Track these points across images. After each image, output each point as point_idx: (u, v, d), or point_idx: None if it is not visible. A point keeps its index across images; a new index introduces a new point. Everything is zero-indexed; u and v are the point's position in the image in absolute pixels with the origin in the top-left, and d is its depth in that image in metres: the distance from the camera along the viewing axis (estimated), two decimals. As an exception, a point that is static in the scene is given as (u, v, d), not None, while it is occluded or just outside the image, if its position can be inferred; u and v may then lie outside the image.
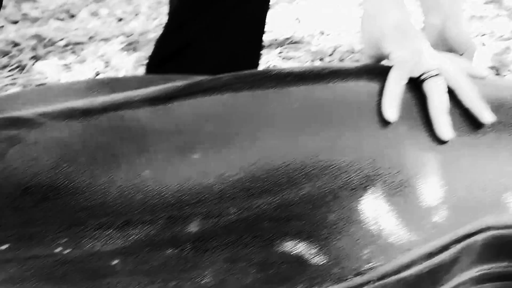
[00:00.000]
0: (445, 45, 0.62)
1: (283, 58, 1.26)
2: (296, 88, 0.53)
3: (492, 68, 1.30)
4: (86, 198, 0.43)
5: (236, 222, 0.43)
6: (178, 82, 0.55)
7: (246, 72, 0.56)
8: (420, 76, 0.52)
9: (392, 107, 0.50)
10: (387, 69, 0.55)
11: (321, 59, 1.26)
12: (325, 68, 0.56)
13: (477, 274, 0.48)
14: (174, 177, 0.45)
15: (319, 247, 0.42)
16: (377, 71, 0.56)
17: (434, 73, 0.52)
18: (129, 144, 0.48)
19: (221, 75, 0.56)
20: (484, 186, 0.49)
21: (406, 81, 0.52)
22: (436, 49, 0.61)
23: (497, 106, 0.54)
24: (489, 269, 0.49)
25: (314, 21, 1.48)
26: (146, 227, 0.42)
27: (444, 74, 0.53)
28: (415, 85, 0.53)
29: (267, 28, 1.46)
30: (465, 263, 0.47)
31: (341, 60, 1.26)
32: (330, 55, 1.29)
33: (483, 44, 1.43)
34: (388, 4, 0.55)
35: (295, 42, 1.36)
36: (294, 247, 0.42)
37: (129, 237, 0.41)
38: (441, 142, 0.50)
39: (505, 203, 0.48)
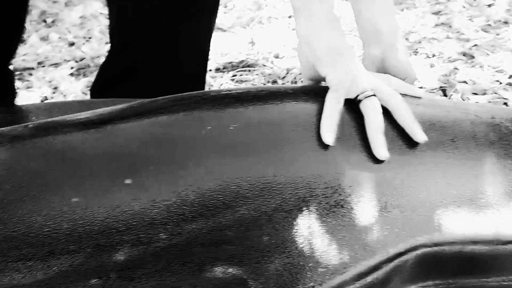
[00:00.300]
0: (386, 74, 0.63)
1: (236, 82, 1.27)
2: (233, 110, 0.53)
3: (440, 88, 1.34)
4: (9, 228, 0.42)
5: (166, 249, 0.42)
6: (116, 106, 0.54)
7: (184, 94, 0.55)
8: (357, 97, 0.53)
9: (330, 131, 0.50)
10: (324, 90, 0.55)
11: (274, 82, 1.28)
12: (263, 90, 0.57)
13: (412, 293, 0.49)
14: (104, 203, 0.44)
15: (250, 271, 0.41)
16: (314, 92, 0.57)
17: (369, 93, 0.53)
18: (58, 170, 0.46)
19: (158, 98, 0.55)
20: (417, 205, 0.49)
21: (342, 103, 0.53)
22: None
23: (430, 125, 0.56)
24: None
25: (268, 45, 1.50)
26: (71, 257, 0.40)
27: (378, 95, 0.55)
28: (352, 106, 0.55)
29: (222, 51, 1.47)
30: (397, 283, 0.47)
31: (294, 82, 1.28)
32: (283, 77, 1.30)
33: (432, 66, 1.48)
34: (320, 27, 0.56)
35: (249, 65, 1.37)
36: (224, 272, 0.41)
37: (51, 268, 0.39)
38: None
39: (436, 221, 0.49)
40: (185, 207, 0.45)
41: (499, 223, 0.51)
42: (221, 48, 1.46)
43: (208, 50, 0.89)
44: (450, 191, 0.52)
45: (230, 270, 0.41)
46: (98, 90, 0.85)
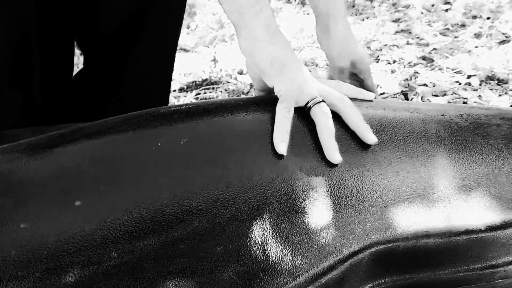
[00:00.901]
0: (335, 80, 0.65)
1: (200, 100, 1.27)
2: (184, 125, 0.53)
3: (401, 93, 1.37)
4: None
5: (117, 267, 0.42)
6: (63, 130, 0.54)
7: (133, 113, 0.56)
8: (306, 104, 0.54)
9: (282, 141, 0.51)
10: (275, 99, 0.56)
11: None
12: (213, 103, 0.57)
13: (370, 291, 0.49)
14: (53, 227, 0.44)
15: (203, 282, 0.41)
16: (265, 102, 0.58)
17: (318, 100, 0.54)
18: (5, 196, 0.46)
19: (108, 118, 0.55)
20: (370, 204, 0.50)
21: (292, 112, 0.54)
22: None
23: (382, 126, 0.57)
24: (380, 285, 0.50)
25: (231, 62, 1.51)
26: (19, 283, 0.40)
27: (327, 100, 0.56)
28: (303, 113, 0.55)
29: (185, 71, 1.48)
30: (354, 282, 0.47)
31: (258, 96, 1.29)
32: (247, 92, 1.32)
33: (393, 71, 1.51)
34: (260, 41, 0.56)
35: (213, 83, 1.38)
36: (177, 285, 0.41)
37: (-2, 295, 0.38)
38: (330, 165, 0.52)
39: (390, 218, 0.50)
40: (137, 225, 0.45)
41: (451, 216, 0.52)
42: (184, 68, 1.47)
43: (172, 65, 0.89)
44: (403, 188, 0.53)
45: (183, 282, 0.41)
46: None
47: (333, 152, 0.52)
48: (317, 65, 1.54)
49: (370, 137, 0.54)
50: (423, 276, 0.51)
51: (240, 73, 1.45)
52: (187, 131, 0.52)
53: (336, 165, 0.52)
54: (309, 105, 0.55)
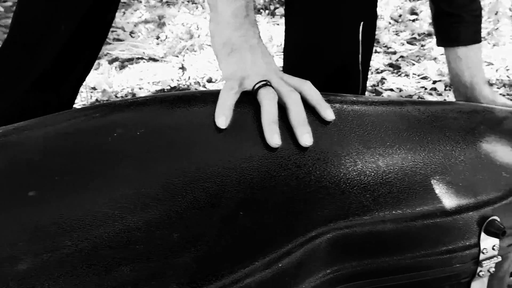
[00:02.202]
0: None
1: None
2: (140, 116, 0.53)
3: (369, 98, 1.40)
4: None
5: (71, 254, 0.41)
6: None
7: (90, 105, 0.56)
8: (253, 87, 0.55)
9: (222, 115, 0.52)
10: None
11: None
12: (170, 95, 0.58)
13: (329, 277, 0.50)
14: (6, 217, 0.44)
15: (158, 267, 0.41)
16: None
17: (262, 83, 0.55)
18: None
19: (66, 111, 0.55)
20: (326, 192, 0.51)
21: (235, 90, 0.54)
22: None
23: (340, 118, 0.58)
24: (339, 271, 0.50)
25: (200, 70, 1.52)
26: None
27: (277, 83, 0.56)
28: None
29: (154, 80, 1.49)
30: (312, 267, 0.48)
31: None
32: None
33: (361, 78, 1.54)
34: (223, 25, 0.58)
35: (181, 91, 1.39)
36: (132, 270, 0.41)
37: None
38: (290, 153, 0.53)
39: (345, 205, 0.51)
40: (92, 213, 0.45)
41: (407, 202, 0.53)
42: (153, 77, 1.48)
43: None
44: (361, 177, 0.54)
45: (138, 267, 0.41)
46: None
47: (271, 136, 0.51)
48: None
49: (329, 113, 0.55)
50: (382, 262, 0.52)
51: (209, 81, 1.46)
52: (144, 122, 0.52)
53: (298, 151, 0.52)
54: (255, 88, 0.55)
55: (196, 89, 1.40)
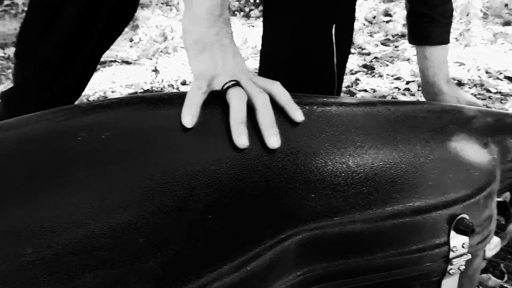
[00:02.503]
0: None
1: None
2: (105, 119, 0.52)
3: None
4: None
5: (32, 262, 0.40)
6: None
7: (53, 109, 0.54)
8: (223, 87, 0.54)
9: (188, 115, 0.51)
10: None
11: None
12: (137, 97, 0.57)
13: (299, 278, 0.50)
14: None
15: (122, 273, 0.40)
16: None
17: (232, 83, 0.54)
18: None
19: (29, 114, 0.54)
20: (296, 193, 0.51)
21: (204, 90, 0.54)
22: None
23: (310, 119, 0.58)
24: (309, 272, 0.50)
25: (173, 72, 1.51)
26: None
27: (246, 84, 0.55)
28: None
29: (127, 83, 1.47)
30: (282, 269, 0.48)
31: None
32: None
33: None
34: (196, 21, 0.57)
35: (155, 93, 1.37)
36: (95, 276, 0.40)
37: None
38: (258, 155, 0.52)
39: (315, 206, 0.51)
40: (54, 220, 0.43)
41: (377, 202, 0.53)
42: (126, 80, 1.46)
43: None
44: (331, 178, 0.54)
45: (102, 273, 0.40)
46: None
47: (238, 137, 0.50)
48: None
49: (298, 114, 0.55)
50: (353, 262, 0.52)
51: (183, 83, 1.45)
52: (109, 125, 0.51)
53: (271, 151, 0.52)
54: (224, 87, 0.55)
55: (171, 91, 1.39)
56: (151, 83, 1.44)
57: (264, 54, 0.85)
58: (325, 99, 0.64)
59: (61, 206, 0.44)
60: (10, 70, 1.53)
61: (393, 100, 0.71)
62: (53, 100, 0.88)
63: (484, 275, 0.72)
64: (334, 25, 0.80)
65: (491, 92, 1.45)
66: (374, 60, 1.73)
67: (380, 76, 1.58)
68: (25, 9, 2.36)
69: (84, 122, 0.51)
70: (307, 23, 0.80)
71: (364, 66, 1.66)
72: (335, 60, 0.82)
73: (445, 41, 0.92)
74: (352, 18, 0.85)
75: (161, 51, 1.70)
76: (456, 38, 1.91)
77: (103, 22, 0.81)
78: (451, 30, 0.93)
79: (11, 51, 1.71)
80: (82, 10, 0.77)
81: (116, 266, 0.41)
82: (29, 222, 0.43)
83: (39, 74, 0.84)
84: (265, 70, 0.85)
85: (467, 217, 0.57)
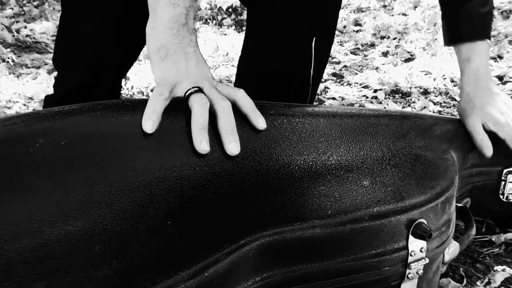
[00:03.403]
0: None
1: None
2: (65, 125, 0.51)
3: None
4: None
5: (-18, 271, 0.39)
6: None
7: (11, 115, 0.53)
8: (185, 93, 0.54)
9: (149, 120, 0.51)
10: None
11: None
12: (99, 104, 0.56)
13: (258, 284, 0.50)
14: None
15: (76, 280, 0.40)
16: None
17: (194, 89, 0.54)
18: None
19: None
20: (256, 199, 0.51)
21: (166, 98, 0.53)
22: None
23: (274, 126, 0.58)
24: (269, 278, 0.50)
25: (144, 80, 1.50)
26: None
27: (208, 91, 0.55)
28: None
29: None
30: (241, 275, 0.48)
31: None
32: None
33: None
34: (161, 29, 0.57)
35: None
36: (47, 285, 0.39)
37: None
38: (219, 161, 0.52)
39: (274, 211, 0.51)
40: (8, 227, 0.42)
41: (337, 207, 0.54)
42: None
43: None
44: (292, 183, 0.54)
45: (54, 281, 0.39)
46: None
47: (199, 142, 0.51)
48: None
49: (261, 122, 0.55)
50: (312, 267, 0.52)
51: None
52: (69, 131, 0.50)
53: (232, 157, 0.52)
54: (187, 94, 0.55)
55: (141, 98, 1.38)
56: (121, 90, 1.42)
57: (242, 61, 0.86)
58: (289, 107, 0.65)
59: (15, 214, 0.43)
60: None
61: (357, 108, 0.72)
62: None
63: (444, 279, 0.73)
64: (314, 38, 0.81)
65: (455, 100, 1.48)
66: (343, 68, 1.75)
67: (349, 84, 1.60)
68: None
69: (43, 128, 0.50)
70: (288, 34, 0.80)
71: (334, 74, 1.68)
72: (311, 71, 0.83)
73: (476, 36, 0.78)
74: (333, 32, 0.86)
75: (132, 59, 1.69)
76: (423, 48, 1.94)
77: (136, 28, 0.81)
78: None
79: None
80: (123, 21, 0.78)
81: (70, 274, 0.40)
82: (-20, 230, 0.42)
83: (83, 84, 0.85)
84: (242, 77, 0.85)
85: (425, 222, 0.58)
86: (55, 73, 1.58)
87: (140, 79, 1.52)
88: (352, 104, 1.42)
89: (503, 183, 0.81)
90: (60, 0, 0.88)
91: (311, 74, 0.83)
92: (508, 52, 1.88)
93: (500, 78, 1.64)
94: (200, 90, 0.55)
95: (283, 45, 0.81)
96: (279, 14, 0.80)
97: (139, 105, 0.57)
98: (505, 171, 0.80)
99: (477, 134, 0.77)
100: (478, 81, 0.78)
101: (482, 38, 0.77)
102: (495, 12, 2.51)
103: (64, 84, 0.87)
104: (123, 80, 1.42)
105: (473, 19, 0.77)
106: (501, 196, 0.82)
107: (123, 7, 0.78)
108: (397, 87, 1.55)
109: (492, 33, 2.16)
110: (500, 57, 1.83)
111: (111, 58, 0.83)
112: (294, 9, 0.80)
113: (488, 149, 0.77)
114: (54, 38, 2.04)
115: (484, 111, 0.77)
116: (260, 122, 0.56)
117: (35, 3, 2.55)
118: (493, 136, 0.78)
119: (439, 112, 1.40)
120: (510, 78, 1.64)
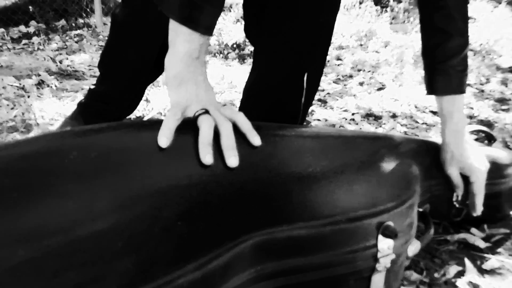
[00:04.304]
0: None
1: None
2: (96, 140, 0.51)
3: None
4: None
5: (23, 262, 0.39)
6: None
7: (48, 132, 0.53)
8: (194, 114, 0.55)
9: (163, 137, 0.50)
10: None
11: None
12: (123, 124, 0.56)
13: (253, 275, 0.49)
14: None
15: (102, 272, 0.39)
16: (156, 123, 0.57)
17: (202, 111, 0.55)
18: None
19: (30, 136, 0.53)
20: (251, 202, 0.51)
21: (178, 116, 0.53)
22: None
23: (267, 143, 0.58)
24: (261, 270, 0.50)
25: (162, 103, 1.50)
26: None
27: (214, 113, 0.55)
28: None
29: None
30: (239, 268, 0.47)
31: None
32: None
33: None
34: (177, 60, 0.57)
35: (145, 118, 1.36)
36: (76, 275, 0.39)
37: None
38: (207, 168, 0.51)
39: (267, 213, 0.50)
40: (45, 225, 0.42)
41: (320, 211, 0.53)
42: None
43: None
44: (282, 191, 0.54)
45: (83, 272, 0.39)
46: None
47: (204, 156, 0.50)
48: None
49: (256, 139, 0.55)
50: (298, 261, 0.52)
51: (147, 101, 1.44)
52: (98, 146, 0.50)
53: (232, 169, 0.51)
54: (195, 114, 0.55)
55: (158, 117, 1.38)
56: (143, 110, 1.42)
57: (246, 90, 0.87)
58: (281, 128, 0.65)
59: (52, 214, 0.43)
60: (23, 98, 1.50)
61: (337, 128, 0.72)
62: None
63: (407, 272, 0.73)
64: (306, 73, 0.81)
65: (418, 123, 1.48)
66: (327, 95, 1.75)
67: (331, 108, 1.60)
68: (40, 47, 2.29)
69: (77, 143, 0.50)
70: (284, 70, 0.81)
71: (319, 100, 1.68)
72: (302, 100, 0.84)
73: (454, 90, 0.77)
74: (322, 67, 0.86)
75: (153, 85, 1.70)
76: (392, 80, 1.95)
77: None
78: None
79: (25, 82, 1.67)
80: (162, 45, 0.85)
81: (97, 265, 0.40)
82: (22, 227, 0.41)
83: (117, 88, 0.98)
84: (245, 102, 0.86)
85: (392, 224, 0.58)
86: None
87: (159, 102, 1.52)
88: (333, 125, 1.42)
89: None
90: (110, 26, 1.00)
91: (302, 102, 0.84)
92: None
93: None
94: (207, 112, 0.55)
95: (280, 80, 0.82)
96: (278, 53, 0.81)
97: (155, 124, 0.56)
98: (458, 182, 0.80)
99: (454, 179, 0.79)
100: (457, 134, 0.78)
101: (459, 93, 0.78)
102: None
103: (105, 84, 1.00)
104: (145, 102, 1.43)
105: (451, 76, 0.77)
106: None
107: (157, 47, 0.90)
108: (371, 111, 1.55)
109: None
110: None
111: (140, 76, 0.95)
112: (290, 50, 0.80)
113: (460, 189, 0.80)
114: (90, 67, 2.05)
115: (461, 160, 0.78)
116: (256, 139, 0.56)
117: (75, 39, 2.57)
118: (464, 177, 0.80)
119: (405, 132, 1.40)
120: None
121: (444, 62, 0.76)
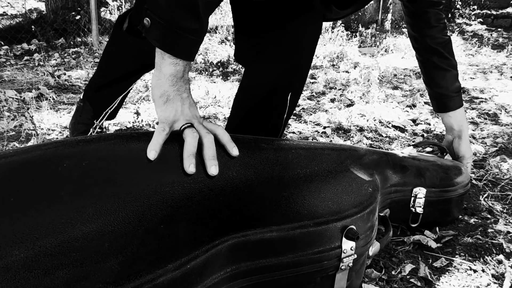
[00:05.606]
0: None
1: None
2: (87, 150, 0.51)
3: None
4: None
5: (17, 261, 0.38)
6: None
7: (44, 142, 0.53)
8: (180, 127, 0.55)
9: (152, 150, 0.50)
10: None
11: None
12: (112, 135, 0.55)
13: (228, 274, 0.49)
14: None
15: (89, 271, 0.39)
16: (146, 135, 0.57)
17: (188, 125, 0.55)
18: None
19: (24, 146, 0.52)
20: (226, 207, 0.51)
21: (166, 131, 0.54)
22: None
23: (251, 152, 0.59)
24: (236, 269, 0.50)
25: (152, 116, 1.50)
26: None
27: (197, 126, 0.56)
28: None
29: (115, 121, 1.44)
30: (215, 267, 0.47)
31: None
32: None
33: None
34: (164, 81, 0.57)
35: (136, 130, 1.35)
36: (66, 274, 0.38)
37: None
38: (189, 176, 0.51)
39: (241, 217, 0.51)
40: (38, 227, 0.41)
41: (289, 216, 0.54)
42: (115, 120, 1.42)
43: None
44: (256, 197, 0.54)
45: (72, 271, 0.38)
46: None
47: (187, 165, 0.51)
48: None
49: (234, 150, 0.55)
50: (269, 261, 0.52)
51: (138, 114, 1.43)
52: (89, 155, 0.50)
53: (212, 177, 0.52)
54: (181, 128, 0.55)
55: (147, 129, 1.37)
56: (133, 123, 1.41)
57: (234, 104, 0.88)
58: (258, 140, 0.65)
59: (45, 217, 0.43)
60: (23, 110, 1.48)
61: (308, 141, 0.73)
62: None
63: (368, 270, 0.74)
64: (290, 93, 0.82)
65: (382, 136, 1.51)
66: (301, 110, 1.78)
67: (305, 122, 1.62)
68: (41, 63, 2.25)
69: (69, 152, 0.49)
70: (270, 90, 0.82)
71: (294, 114, 1.70)
72: (285, 115, 0.85)
73: (457, 106, 1.03)
74: (302, 87, 0.88)
75: (143, 98, 1.69)
76: (360, 97, 1.99)
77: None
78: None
79: (26, 95, 1.64)
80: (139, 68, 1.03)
81: (85, 264, 0.40)
82: (18, 229, 0.41)
83: (111, 82, 1.04)
84: (233, 116, 0.87)
85: (355, 228, 0.59)
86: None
87: (149, 115, 1.51)
88: (307, 138, 1.44)
89: (412, 198, 0.83)
90: (109, 38, 1.07)
91: (284, 117, 0.85)
92: (419, 102, 1.94)
93: (414, 120, 1.68)
94: (192, 125, 0.55)
95: (266, 98, 0.83)
96: (264, 75, 0.82)
97: (143, 136, 0.56)
98: (414, 189, 0.82)
99: (464, 148, 1.03)
100: (462, 123, 1.04)
101: (459, 107, 1.03)
102: (411, 73, 2.60)
103: (102, 76, 1.07)
104: (135, 115, 1.43)
105: (453, 98, 1.02)
106: (412, 209, 0.83)
107: (141, 65, 1.01)
108: (341, 125, 1.58)
109: (408, 88, 2.23)
110: (414, 106, 1.89)
111: (129, 80, 1.04)
112: (276, 74, 0.81)
113: (469, 157, 1.04)
114: (86, 82, 2.02)
115: (465, 139, 1.04)
116: (234, 150, 0.56)
117: (73, 56, 2.54)
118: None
119: (370, 145, 1.42)
120: (421, 121, 1.68)
121: (447, 89, 1.02)
